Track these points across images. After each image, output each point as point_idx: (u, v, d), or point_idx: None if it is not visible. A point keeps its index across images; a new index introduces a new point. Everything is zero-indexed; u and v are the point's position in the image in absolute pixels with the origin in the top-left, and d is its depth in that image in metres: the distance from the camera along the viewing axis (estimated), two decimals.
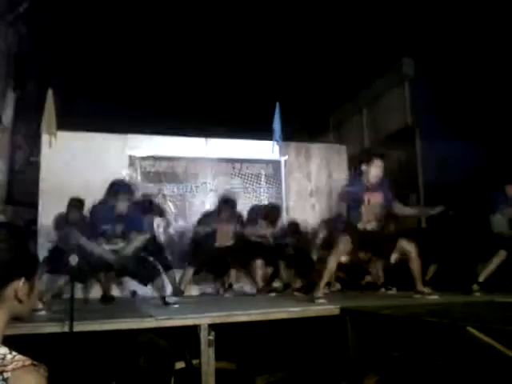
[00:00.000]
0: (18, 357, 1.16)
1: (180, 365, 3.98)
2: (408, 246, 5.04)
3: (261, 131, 8.48)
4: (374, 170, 5.18)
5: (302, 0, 9.31)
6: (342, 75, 10.43)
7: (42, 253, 7.06)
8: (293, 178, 8.84)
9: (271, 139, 8.38)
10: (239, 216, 7.13)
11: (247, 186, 8.41)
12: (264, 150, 8.58)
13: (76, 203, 6.55)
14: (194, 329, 3.65)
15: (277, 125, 8.22)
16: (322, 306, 4.19)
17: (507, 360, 2.50)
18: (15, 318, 1.33)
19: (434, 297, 4.93)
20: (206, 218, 6.99)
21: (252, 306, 4.77)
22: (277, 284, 7.32)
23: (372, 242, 5.21)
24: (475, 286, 5.77)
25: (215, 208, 7.13)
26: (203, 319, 3.68)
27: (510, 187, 5.97)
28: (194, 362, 3.80)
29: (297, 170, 8.95)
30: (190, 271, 6.79)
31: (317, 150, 9.28)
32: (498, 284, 6.35)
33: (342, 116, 11.93)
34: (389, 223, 6.11)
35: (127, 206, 5.37)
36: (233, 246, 6.79)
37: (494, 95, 7.29)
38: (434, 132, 8.48)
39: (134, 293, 6.82)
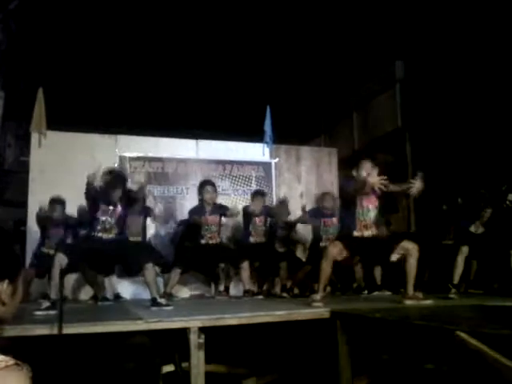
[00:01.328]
0: (1, 357, 1.14)
1: (169, 368, 3.97)
2: (410, 245, 4.87)
3: (252, 133, 8.50)
4: (365, 173, 4.90)
5: (293, 5, 9.32)
6: (332, 78, 10.47)
7: (31, 253, 7.04)
8: (283, 180, 8.86)
9: (262, 141, 8.41)
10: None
11: (237, 187, 8.41)
12: (254, 152, 8.60)
13: (58, 201, 6.62)
14: (184, 331, 3.64)
15: (267, 127, 8.25)
16: (313, 309, 4.19)
17: (496, 364, 2.52)
18: None
19: (427, 302, 4.81)
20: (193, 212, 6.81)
21: (243, 309, 4.76)
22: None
23: (370, 248, 5.05)
24: (452, 290, 5.84)
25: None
26: (193, 322, 3.66)
27: None
28: (184, 365, 3.79)
29: (287, 172, 8.97)
30: (177, 273, 6.48)
31: (307, 152, 9.32)
32: (485, 284, 6.44)
33: (332, 119, 11.96)
34: (382, 229, 6.04)
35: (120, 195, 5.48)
36: (220, 245, 6.69)
37: (484, 97, 7.34)
38: (424, 135, 8.55)
39: (117, 295, 6.77)
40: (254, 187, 8.38)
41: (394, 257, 4.98)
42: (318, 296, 4.79)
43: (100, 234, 5.37)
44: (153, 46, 10.12)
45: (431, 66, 8.42)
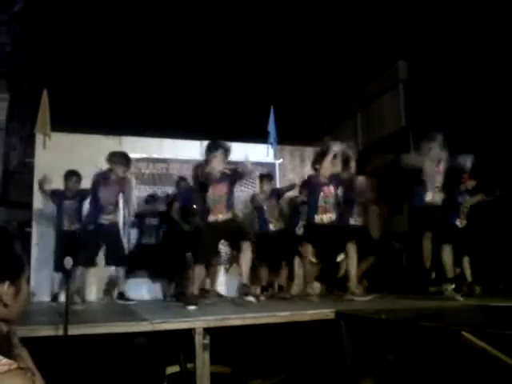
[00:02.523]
0: (4, 360, 1.13)
1: (175, 368, 3.98)
2: (349, 248, 5.56)
3: (255, 134, 8.50)
4: (323, 170, 5.87)
5: (296, 6, 9.33)
6: (336, 78, 10.46)
7: (35, 254, 7.07)
8: (287, 181, 8.83)
9: (266, 142, 8.40)
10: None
11: (242, 188, 8.39)
12: (259, 152, 8.59)
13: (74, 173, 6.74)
14: (189, 332, 3.64)
15: (271, 128, 8.24)
16: (317, 310, 4.18)
17: (501, 365, 2.51)
18: (4, 321, 1.31)
19: (366, 298, 5.43)
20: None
21: (248, 310, 4.76)
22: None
23: (327, 237, 5.71)
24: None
25: None
26: (198, 323, 3.67)
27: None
28: (189, 365, 3.79)
29: (291, 172, 8.95)
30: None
31: (311, 153, 9.28)
32: (491, 284, 6.41)
33: (336, 119, 11.94)
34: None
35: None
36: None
37: (488, 97, 7.33)
38: (427, 136, 8.52)
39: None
40: (257, 188, 8.36)
41: (339, 258, 5.86)
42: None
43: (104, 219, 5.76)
44: (157, 47, 10.15)
45: (434, 66, 8.40)
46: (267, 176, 7.44)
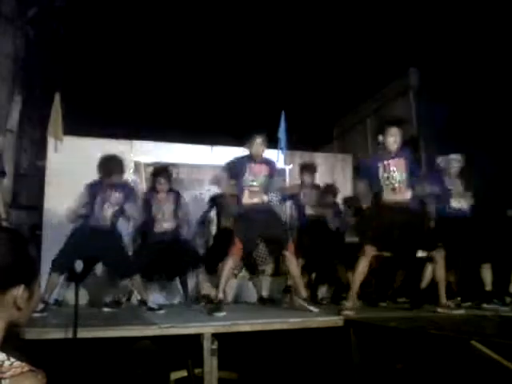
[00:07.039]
0: (16, 363, 1.14)
1: (182, 373, 3.97)
2: None
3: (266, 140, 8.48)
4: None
5: (306, 10, 9.34)
6: (346, 85, 10.45)
7: (46, 258, 7.09)
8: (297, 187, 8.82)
9: (276, 148, 8.38)
10: None
11: None
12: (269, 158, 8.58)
13: None
14: (197, 337, 3.65)
15: (282, 134, 8.22)
16: (327, 317, 4.17)
17: (510, 374, 2.50)
18: (13, 324, 1.31)
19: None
20: None
21: (257, 315, 4.75)
22: None
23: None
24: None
25: None
26: (207, 328, 3.67)
27: None
28: (197, 370, 3.79)
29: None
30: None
31: (321, 159, 9.27)
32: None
33: (345, 126, 11.92)
34: None
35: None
36: None
37: (501, 105, 7.29)
38: (438, 143, 8.49)
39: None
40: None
41: None
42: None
43: (95, 223, 5.42)
44: (169, 54, 10.19)
45: (446, 73, 8.37)
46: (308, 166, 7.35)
